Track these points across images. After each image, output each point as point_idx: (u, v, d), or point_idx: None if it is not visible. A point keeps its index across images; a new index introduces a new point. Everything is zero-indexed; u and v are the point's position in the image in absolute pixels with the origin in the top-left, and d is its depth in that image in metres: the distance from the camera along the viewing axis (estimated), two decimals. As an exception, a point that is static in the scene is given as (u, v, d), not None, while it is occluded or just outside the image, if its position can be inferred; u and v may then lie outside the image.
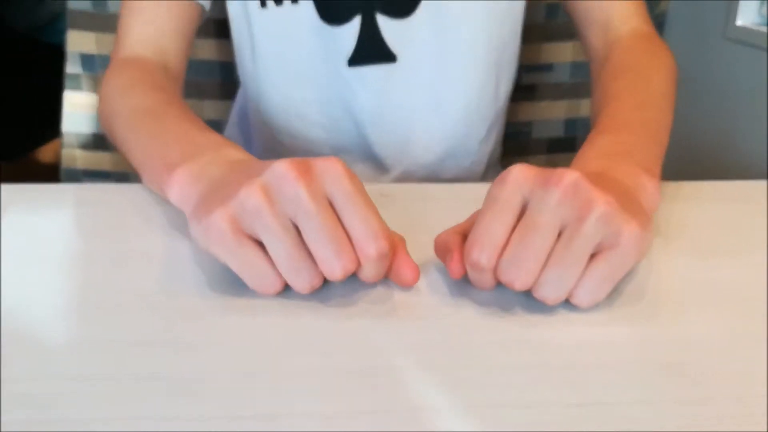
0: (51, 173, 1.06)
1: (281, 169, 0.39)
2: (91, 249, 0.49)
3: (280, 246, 0.39)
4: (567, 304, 0.43)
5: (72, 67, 0.95)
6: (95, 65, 0.95)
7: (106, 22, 0.93)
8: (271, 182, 0.39)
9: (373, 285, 0.44)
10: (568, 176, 0.39)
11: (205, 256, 0.47)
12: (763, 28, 1.08)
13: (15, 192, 0.57)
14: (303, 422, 0.34)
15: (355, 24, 0.70)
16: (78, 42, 0.94)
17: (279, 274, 0.41)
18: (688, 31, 1.21)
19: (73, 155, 0.99)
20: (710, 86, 1.18)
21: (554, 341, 0.40)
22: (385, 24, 0.70)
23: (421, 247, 0.49)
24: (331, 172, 0.40)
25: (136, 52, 0.66)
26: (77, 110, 0.97)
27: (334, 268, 0.39)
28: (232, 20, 0.75)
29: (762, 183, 0.61)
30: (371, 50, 0.71)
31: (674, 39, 1.24)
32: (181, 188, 0.46)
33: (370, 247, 0.39)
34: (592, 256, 0.40)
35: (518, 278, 0.39)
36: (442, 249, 0.45)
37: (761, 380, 0.38)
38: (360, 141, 0.76)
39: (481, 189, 0.60)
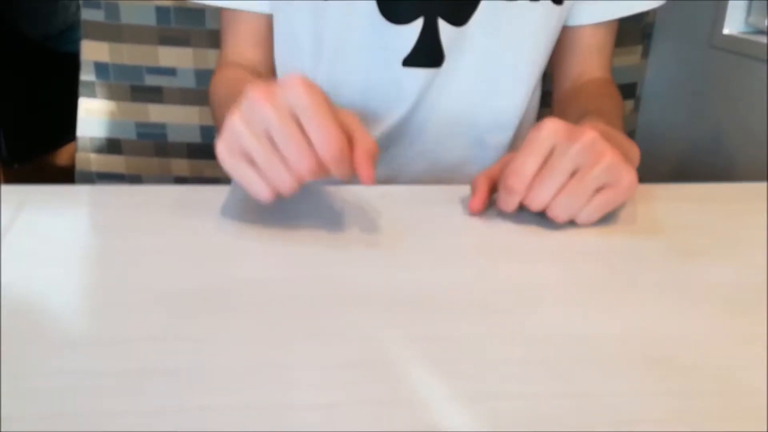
0: (66, 175, 1.08)
1: (251, 95, 0.48)
2: (104, 248, 0.50)
3: (258, 155, 0.48)
4: (555, 292, 0.46)
5: (86, 75, 0.98)
6: (108, 73, 0.98)
7: (118, 31, 0.96)
8: (245, 109, 0.48)
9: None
10: (589, 134, 0.52)
11: (212, 254, 0.49)
12: (749, 37, 1.10)
13: (31, 192, 0.58)
14: (306, 413, 0.35)
15: (416, 26, 0.72)
16: (92, 51, 0.97)
17: (264, 181, 0.49)
18: (675, 41, 1.22)
19: (87, 158, 1.02)
20: (697, 94, 1.19)
21: (546, 334, 0.41)
22: (444, 29, 0.72)
23: (421, 248, 0.51)
24: (292, 91, 0.48)
25: (228, 60, 0.79)
26: (91, 115, 1.00)
27: (301, 167, 0.48)
28: (285, 16, 0.76)
29: (761, 185, 0.63)
30: (428, 53, 0.73)
31: (662, 48, 1.26)
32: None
33: (323, 152, 0.48)
34: (597, 191, 0.52)
35: (534, 202, 0.53)
36: (473, 187, 0.58)
37: (752, 377, 0.38)
38: (387, 137, 0.79)
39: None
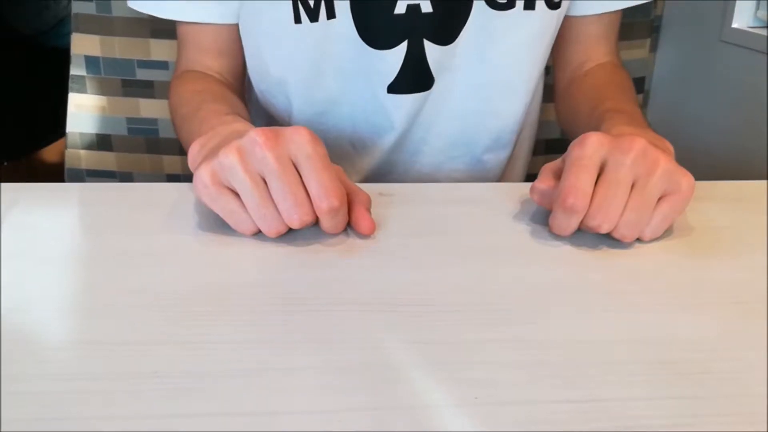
0: (56, 173, 1.07)
1: (254, 135, 0.47)
2: (94, 248, 0.50)
3: (249, 196, 0.47)
4: (561, 295, 0.45)
5: (76, 69, 0.96)
6: (99, 67, 0.96)
7: (110, 25, 0.94)
8: (245, 145, 0.47)
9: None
10: (638, 141, 0.49)
11: (206, 255, 0.49)
12: (759, 31, 1.09)
13: (20, 191, 0.57)
14: (302, 420, 0.34)
15: (401, 50, 0.68)
16: (83, 45, 0.95)
17: (251, 218, 0.49)
18: (683, 34, 1.21)
19: (77, 155, 1.01)
20: (706, 88, 1.19)
21: (552, 339, 0.41)
22: (431, 51, 0.68)
23: (420, 247, 0.50)
24: (296, 138, 0.47)
25: (190, 68, 0.75)
26: (81, 111, 0.98)
27: (293, 218, 0.48)
28: (253, 38, 0.72)
29: (761, 183, 0.61)
30: (414, 78, 0.70)
31: (670, 42, 1.24)
32: (191, 156, 0.55)
33: (322, 203, 0.47)
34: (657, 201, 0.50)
35: (605, 222, 0.49)
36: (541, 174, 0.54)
37: (759, 380, 0.38)
38: (381, 163, 0.76)
39: (479, 189, 0.62)
